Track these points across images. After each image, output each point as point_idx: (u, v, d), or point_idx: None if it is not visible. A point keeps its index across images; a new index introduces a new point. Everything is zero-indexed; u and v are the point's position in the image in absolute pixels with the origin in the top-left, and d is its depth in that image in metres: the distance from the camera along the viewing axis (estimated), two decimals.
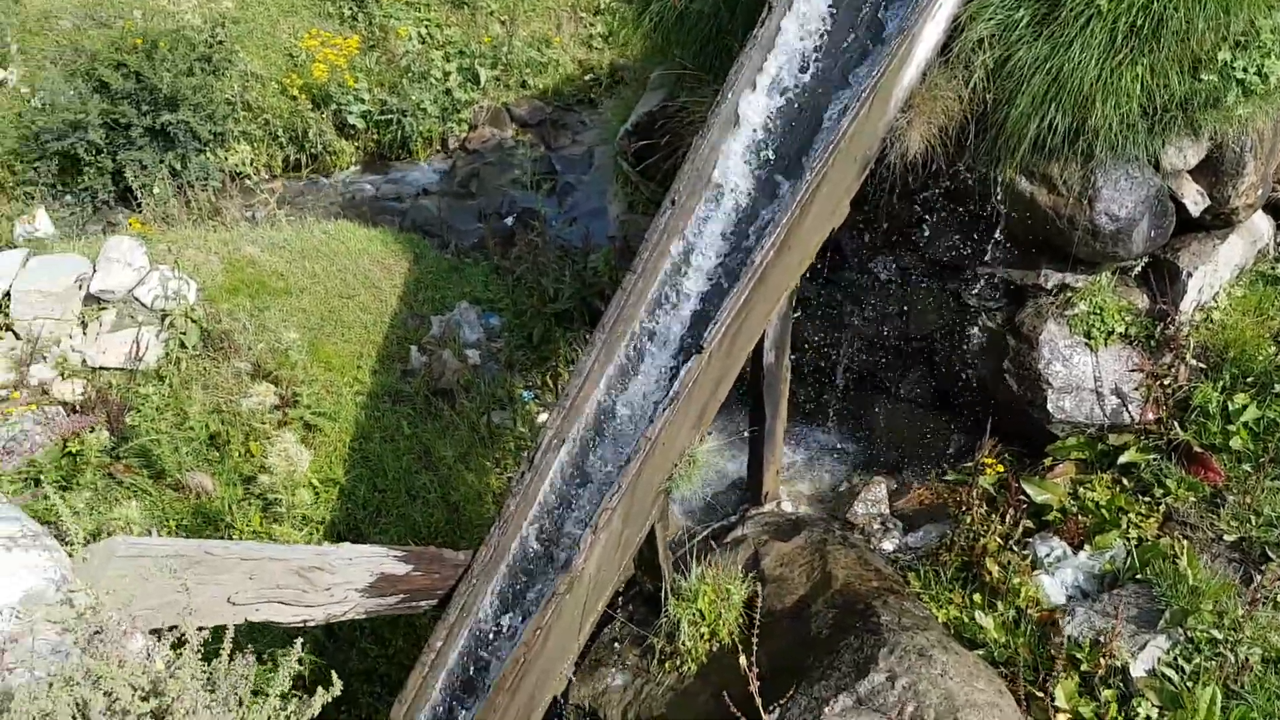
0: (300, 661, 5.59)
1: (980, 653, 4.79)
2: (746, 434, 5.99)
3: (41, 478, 6.23)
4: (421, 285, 8.22)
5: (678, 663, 5.00)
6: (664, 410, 4.37)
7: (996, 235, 5.92)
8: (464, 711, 4.58)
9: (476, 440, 7.11)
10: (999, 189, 5.67)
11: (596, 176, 10.12)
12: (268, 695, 2.09)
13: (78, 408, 6.69)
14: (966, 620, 5.10)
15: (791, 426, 6.47)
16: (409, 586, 4.47)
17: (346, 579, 4.19)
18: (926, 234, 6.17)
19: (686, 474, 4.71)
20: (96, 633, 2.18)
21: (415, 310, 8.01)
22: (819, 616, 4.92)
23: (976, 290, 6.23)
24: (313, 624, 4.22)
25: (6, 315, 6.82)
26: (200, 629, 2.32)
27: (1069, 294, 5.98)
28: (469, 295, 8.20)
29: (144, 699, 2.01)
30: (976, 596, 5.20)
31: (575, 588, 4.36)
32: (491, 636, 4.70)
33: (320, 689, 2.07)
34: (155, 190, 9.18)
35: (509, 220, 9.69)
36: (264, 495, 6.41)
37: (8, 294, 6.84)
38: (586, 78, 12.02)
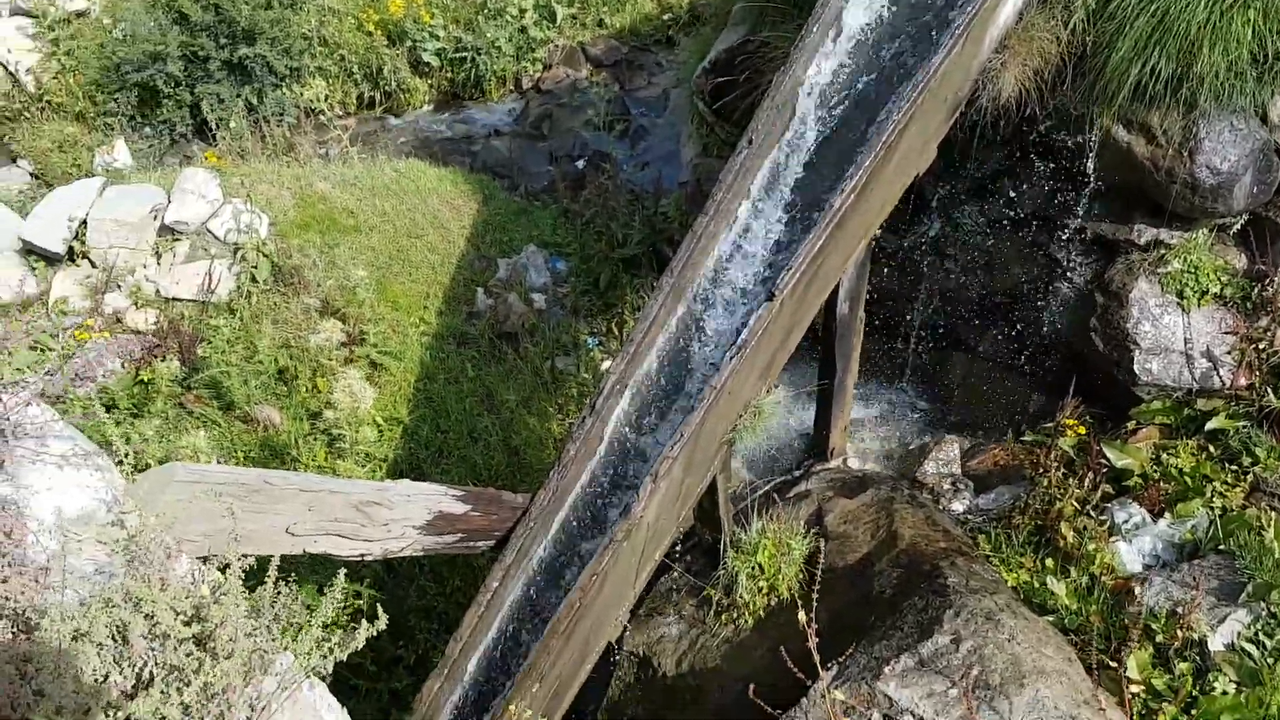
0: (359, 595, 5.70)
1: (1050, 619, 4.61)
2: (815, 387, 5.82)
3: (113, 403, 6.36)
4: (490, 227, 8.15)
5: (734, 615, 4.91)
6: (731, 359, 4.22)
7: (1090, 187, 5.63)
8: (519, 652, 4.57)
9: (539, 385, 7.06)
10: (1095, 137, 5.38)
11: (671, 119, 9.88)
12: (310, 625, 2.04)
13: (150, 337, 6.78)
14: (1037, 585, 4.92)
15: (862, 381, 6.28)
16: (467, 526, 4.44)
17: (405, 516, 4.17)
18: (1015, 184, 5.89)
19: (751, 425, 4.57)
20: (142, 556, 2.15)
21: (482, 252, 7.95)
22: (882, 575, 4.78)
23: (1065, 244, 5.95)
24: (370, 558, 4.22)
25: (83, 243, 6.92)
26: (246, 556, 2.28)
27: (1162, 251, 5.67)
28: (537, 238, 8.10)
29: (186, 624, 1.98)
30: (1049, 561, 5.01)
31: (633, 535, 4.28)
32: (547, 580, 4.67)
33: (365, 622, 2.02)
34: (231, 124, 9.24)
35: (580, 163, 9.54)
36: (329, 431, 6.45)
37: (84, 222, 6.93)
38: (665, 16, 11.70)
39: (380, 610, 2.19)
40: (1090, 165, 5.52)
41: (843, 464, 5.87)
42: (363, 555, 4.13)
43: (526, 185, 9.17)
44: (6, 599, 1.86)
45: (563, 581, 4.66)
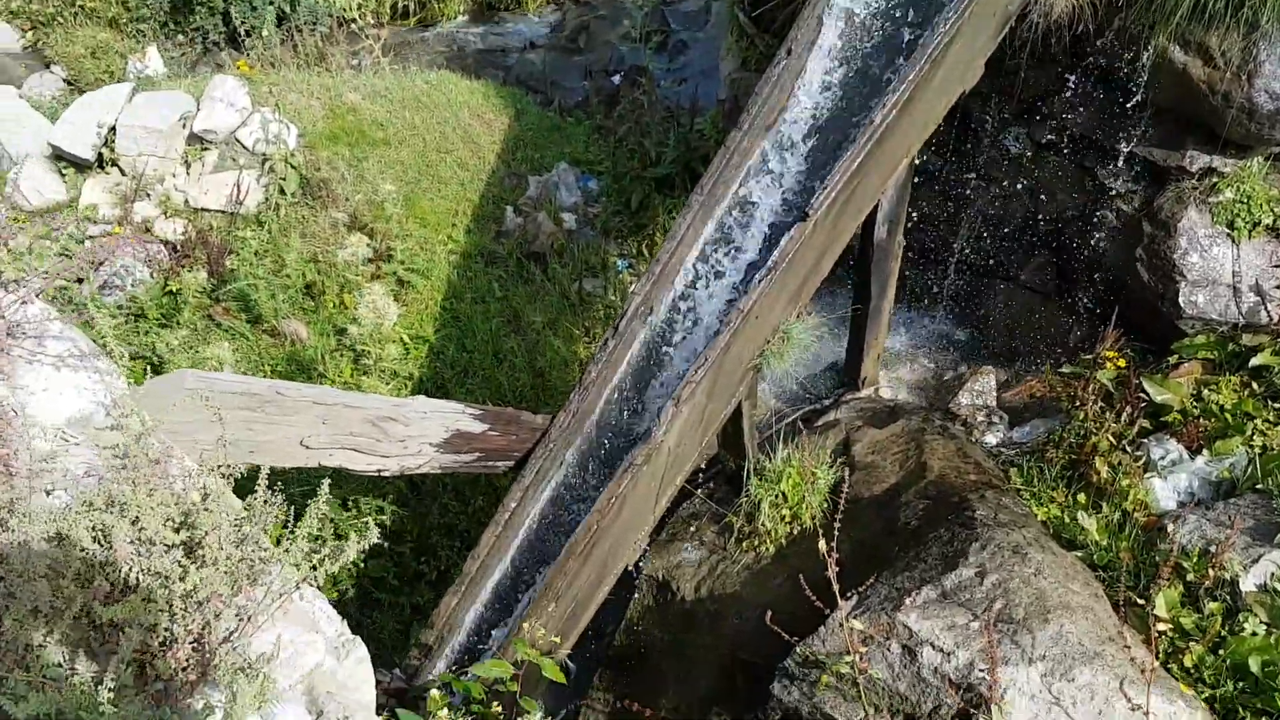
0: (382, 510, 5.72)
1: (1079, 554, 4.51)
2: (848, 313, 5.66)
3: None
4: (521, 143, 7.97)
5: (755, 543, 4.86)
6: (759, 281, 4.08)
7: (1142, 111, 5.35)
8: (539, 572, 4.55)
9: (566, 307, 6.96)
10: (1149, 58, 5.09)
11: (712, 33, 9.55)
12: (295, 538, 1.99)
13: (178, 247, 6.74)
14: (1067, 520, 4.81)
15: (897, 308, 6.11)
16: (485, 446, 4.39)
17: (421, 432, 4.12)
18: (1065, 106, 5.61)
19: (779, 351, 4.44)
20: (135, 460, 2.10)
21: (513, 169, 7.79)
22: (909, 507, 4.69)
23: (1114, 170, 5.69)
24: (388, 474, 4.19)
25: (112, 150, 6.85)
26: (237, 465, 2.22)
27: (1214, 179, 5.41)
28: (569, 156, 7.92)
29: (175, 530, 1.93)
30: (1081, 496, 4.89)
31: (653, 460, 4.21)
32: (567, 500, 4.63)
33: (355, 536, 1.95)
34: (263, 32, 9.07)
35: (616, 78, 9.27)
36: (355, 347, 6.41)
37: (113, 129, 6.85)
38: None
39: (371, 525, 2.12)
40: (1144, 87, 5.24)
41: (874, 394, 5.74)
42: (379, 471, 4.10)
43: (560, 100, 8.94)
44: None
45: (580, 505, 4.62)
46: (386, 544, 5.40)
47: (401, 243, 6.98)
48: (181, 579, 1.81)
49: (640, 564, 5.04)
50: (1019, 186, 6.11)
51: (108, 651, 1.80)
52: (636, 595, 5.16)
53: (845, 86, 4.67)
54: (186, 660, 1.76)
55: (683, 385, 4.12)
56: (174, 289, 6.49)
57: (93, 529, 1.81)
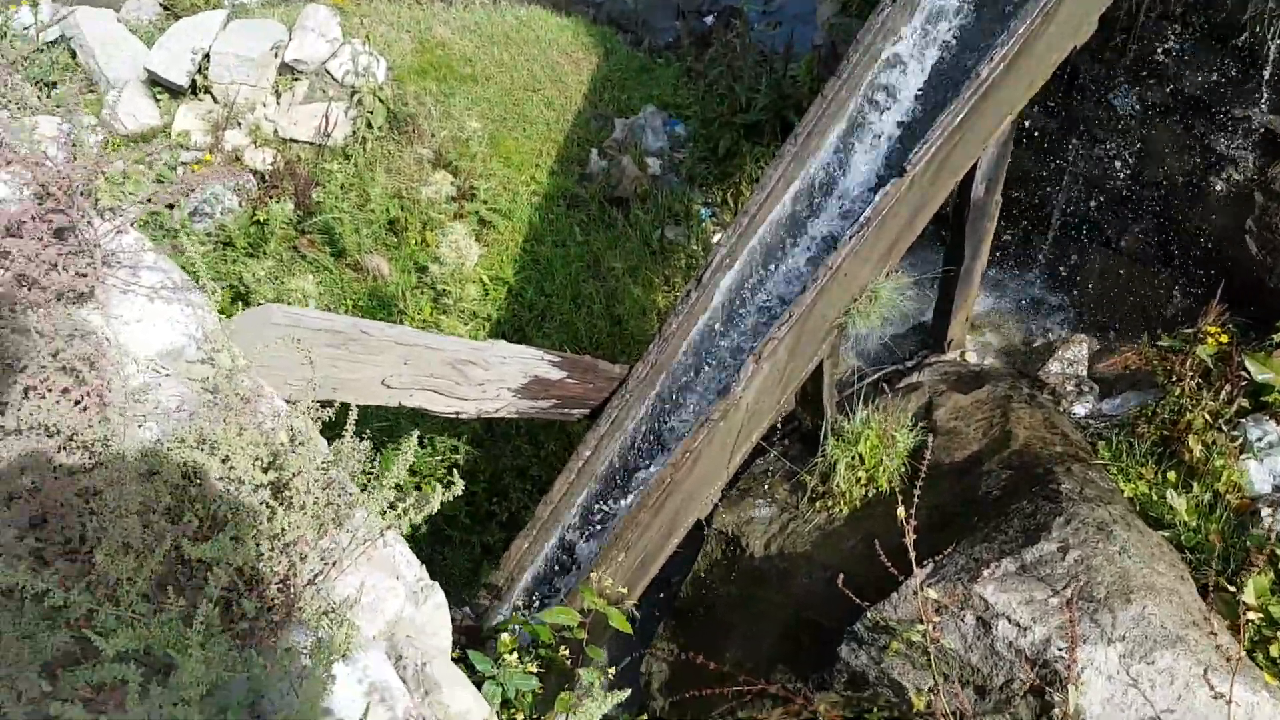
0: (456, 450, 5.77)
1: (1165, 534, 4.36)
2: (935, 273, 5.49)
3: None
4: (609, 84, 7.84)
5: (828, 504, 4.79)
6: (850, 237, 3.96)
7: (1264, 73, 5.02)
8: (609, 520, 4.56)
9: (647, 254, 6.87)
10: (1276, 18, 4.76)
11: None
12: (382, 485, 1.98)
13: (266, 177, 6.82)
14: (1155, 499, 4.65)
15: (988, 270, 5.90)
16: (562, 393, 4.37)
17: (500, 377, 4.11)
18: (1180, 66, 5.30)
19: (866, 310, 4.32)
20: (226, 396, 2.11)
21: (599, 110, 7.68)
22: (990, 476, 4.57)
23: (1229, 137, 5.37)
24: (465, 417, 4.20)
25: (205, 77, 6.92)
26: (327, 405, 2.22)
27: None
28: (656, 99, 7.77)
29: (263, 470, 1.94)
30: (1171, 475, 4.71)
31: (730, 415, 4.15)
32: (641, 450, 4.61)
33: (439, 486, 1.95)
34: None
35: (709, 19, 9.03)
36: (435, 286, 6.44)
37: (207, 55, 6.91)
38: None
39: (457, 476, 2.11)
40: (1271, 50, 4.91)
41: (960, 357, 5.58)
42: (458, 413, 4.11)
43: (650, 41, 8.75)
44: (79, 431, 1.83)
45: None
46: (461, 483, 5.47)
47: (485, 182, 6.95)
48: (269, 520, 1.82)
49: (710, 518, 5.01)
50: (1123, 149, 5.82)
51: (193, 588, 1.82)
52: (705, 549, 5.14)
53: (955, 36, 4.47)
54: (271, 601, 1.78)
55: (764, 341, 4.05)
56: (261, 219, 6.57)
57: (183, 465, 1.83)
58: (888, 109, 4.47)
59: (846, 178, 4.49)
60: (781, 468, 5.02)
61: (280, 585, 1.79)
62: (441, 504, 2.12)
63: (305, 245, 6.68)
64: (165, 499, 1.77)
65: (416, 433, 2.22)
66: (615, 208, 7.14)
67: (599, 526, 4.61)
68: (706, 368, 4.64)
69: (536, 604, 4.55)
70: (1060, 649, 3.60)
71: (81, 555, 1.73)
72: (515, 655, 3.21)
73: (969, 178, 4.77)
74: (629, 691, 2.15)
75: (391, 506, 2.00)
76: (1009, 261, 6.46)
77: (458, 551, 5.74)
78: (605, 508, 4.63)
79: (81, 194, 2.35)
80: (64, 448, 1.87)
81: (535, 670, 3.23)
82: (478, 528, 5.82)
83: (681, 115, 7.70)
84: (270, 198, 6.67)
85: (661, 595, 5.26)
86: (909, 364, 5.54)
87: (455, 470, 5.52)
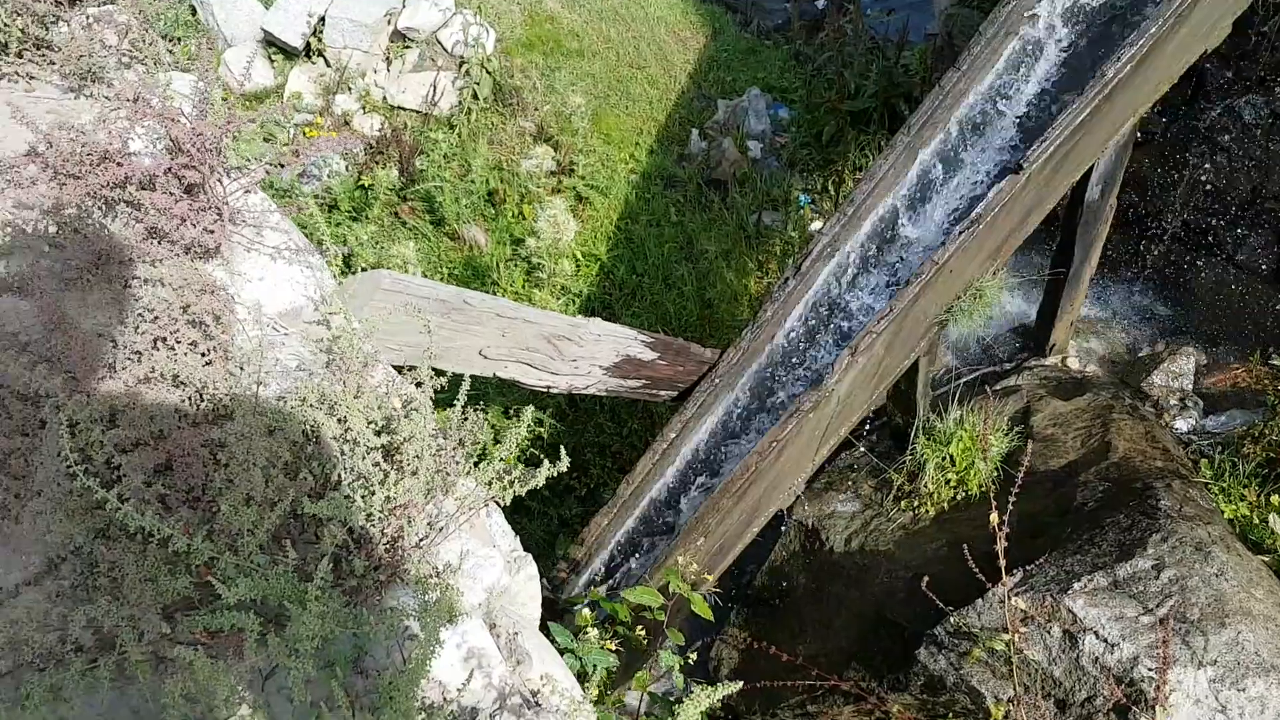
0: (540, 423, 5.82)
1: (1266, 559, 4.20)
2: (1044, 276, 5.33)
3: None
4: (714, 64, 7.78)
5: (914, 503, 4.71)
6: (960, 233, 3.86)
7: None
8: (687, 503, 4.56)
9: (742, 238, 6.82)
10: None
11: None
12: (491, 457, 2.01)
13: (373, 143, 6.94)
14: (1257, 522, 4.48)
15: (1098, 276, 5.72)
16: (652, 374, 4.37)
17: (592, 355, 4.13)
18: None
19: (969, 309, 4.22)
20: (342, 359, 2.16)
21: (703, 90, 7.63)
22: (1087, 487, 4.45)
23: None
24: (555, 391, 4.23)
25: (320, 40, 7.06)
26: (439, 374, 2.26)
27: None
28: (762, 81, 7.68)
29: (376, 433, 1.98)
30: (1275, 498, 4.53)
31: (820, 407, 4.10)
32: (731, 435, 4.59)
33: (547, 462, 1.97)
34: None
35: (821, 3, 8.88)
36: (529, 259, 6.49)
37: (323, 19, 7.05)
38: None
39: (563, 452, 2.13)
40: None
41: (1061, 363, 5.43)
42: (548, 387, 4.14)
43: (759, 22, 8.65)
44: (208, 384, 1.90)
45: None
46: (542, 455, 5.52)
47: (584, 158, 6.97)
48: (382, 482, 1.85)
49: (791, 509, 4.97)
50: (1247, 158, 5.57)
51: (304, 543, 1.87)
52: (784, 539, 5.12)
53: (1079, 36, 4.33)
54: (378, 561, 1.82)
55: (861, 335, 3.99)
56: (366, 184, 6.70)
57: (303, 424, 1.87)
58: (1006, 105, 4.35)
59: (957, 174, 4.38)
60: (868, 463, 4.96)
61: (388, 546, 1.83)
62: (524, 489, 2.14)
63: (406, 212, 6.79)
64: (285, 455, 1.82)
65: (530, 409, 2.25)
66: (713, 190, 7.10)
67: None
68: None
69: (612, 581, 4.58)
70: (1149, 668, 3.51)
71: (203, 504, 1.79)
72: (596, 631, 3.23)
73: (1085, 179, 4.63)
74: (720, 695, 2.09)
75: (498, 478, 2.03)
76: (1119, 267, 6.25)
77: (535, 523, 5.80)
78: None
79: (213, 151, 2.42)
80: (191, 399, 1.93)
81: (614, 648, 3.25)
82: (556, 501, 5.88)
83: (786, 99, 7.60)
84: (376, 164, 6.79)
85: (734, 582, 5.25)
86: (1007, 366, 5.41)
87: (539, 441, 5.59)
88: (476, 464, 2.05)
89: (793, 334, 4.51)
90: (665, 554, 4.29)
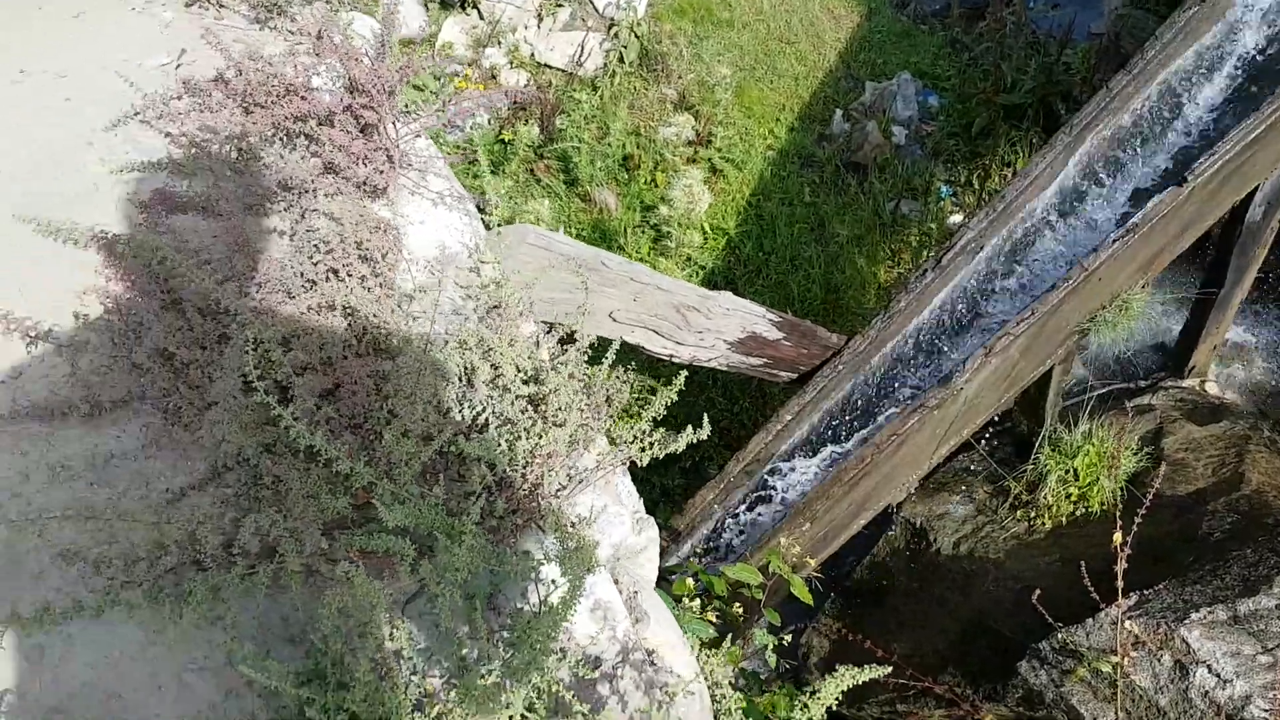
0: (654, 391, 5.86)
1: None
2: (1192, 295, 5.11)
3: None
4: (866, 45, 7.63)
5: (1031, 514, 4.60)
6: (1113, 241, 3.73)
7: None
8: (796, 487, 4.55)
9: (876, 225, 6.70)
10: None
11: None
12: (640, 419, 2.05)
13: (517, 100, 7.03)
14: None
15: (1249, 300, 5.45)
16: (775, 354, 4.36)
17: (719, 328, 4.14)
18: None
19: (1112, 320, 4.09)
20: (495, 307, 2.23)
21: (852, 71, 7.49)
22: (1215, 516, 4.28)
23: None
24: (677, 360, 4.26)
25: None
26: (581, 334, 2.31)
27: None
28: (913, 66, 7.50)
29: (525, 382, 2.04)
30: None
31: (946, 406, 4.04)
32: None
33: (690, 427, 2.00)
34: None
35: None
36: (658, 227, 6.51)
37: None
38: None
39: (705, 419, 2.16)
40: None
41: (1199, 386, 5.21)
42: (671, 355, 4.17)
43: (917, 5, 8.42)
44: (381, 317, 1.98)
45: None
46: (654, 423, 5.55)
47: (723, 130, 6.94)
48: (528, 430, 1.91)
49: (901, 505, 4.91)
50: None
51: (449, 479, 1.95)
52: (889, 534, 5.06)
53: (1259, 50, 4.11)
54: (518, 505, 1.88)
55: (998, 336, 3.90)
56: (507, 139, 6.80)
57: (460, 366, 1.94)
58: (1176, 114, 4.17)
59: (1115, 179, 4.23)
60: (985, 468, 4.86)
61: (528, 492, 1.89)
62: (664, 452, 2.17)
63: (541, 170, 6.89)
64: (441, 395, 1.89)
65: (683, 374, 2.28)
66: (851, 173, 6.99)
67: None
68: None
69: (710, 554, 4.61)
70: (1263, 709, 3.39)
71: (364, 431, 1.88)
72: (698, 602, 3.27)
73: (1248, 198, 4.41)
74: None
75: (636, 438, 2.07)
76: (1271, 294, 5.94)
77: (638, 488, 5.85)
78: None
79: (388, 94, 2.51)
80: (358, 331, 2.02)
81: (713, 620, 3.28)
82: (660, 469, 5.91)
83: (937, 87, 7.41)
84: (518, 119, 6.90)
85: (833, 572, 5.22)
86: (1143, 383, 5.21)
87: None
88: (613, 419, 2.10)
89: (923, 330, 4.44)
90: (769, 534, 4.30)
